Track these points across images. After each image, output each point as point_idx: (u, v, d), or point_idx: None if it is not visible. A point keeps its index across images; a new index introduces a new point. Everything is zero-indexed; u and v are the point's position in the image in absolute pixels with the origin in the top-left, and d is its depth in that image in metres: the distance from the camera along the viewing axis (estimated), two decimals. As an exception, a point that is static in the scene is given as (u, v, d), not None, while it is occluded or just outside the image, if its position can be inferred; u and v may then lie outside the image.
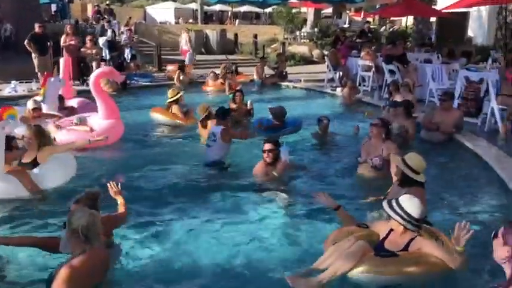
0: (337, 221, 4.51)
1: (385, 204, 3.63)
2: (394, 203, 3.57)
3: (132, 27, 21.90)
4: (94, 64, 13.60)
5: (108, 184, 4.22)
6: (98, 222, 3.20)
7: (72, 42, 13.38)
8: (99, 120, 7.55)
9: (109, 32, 15.34)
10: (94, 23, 21.05)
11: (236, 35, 24.29)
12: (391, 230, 3.64)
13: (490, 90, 8.15)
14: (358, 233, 3.76)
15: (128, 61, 15.77)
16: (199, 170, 6.44)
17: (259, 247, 4.27)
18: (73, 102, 9.19)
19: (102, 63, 13.17)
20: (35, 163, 5.46)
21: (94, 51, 13.88)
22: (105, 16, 20.46)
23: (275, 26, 26.30)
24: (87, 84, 12.97)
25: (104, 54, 14.77)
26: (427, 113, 7.67)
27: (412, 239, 3.53)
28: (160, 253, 4.16)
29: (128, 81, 14.03)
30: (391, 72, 12.08)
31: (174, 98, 8.93)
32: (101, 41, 15.17)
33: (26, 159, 5.47)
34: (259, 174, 5.80)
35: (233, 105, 9.25)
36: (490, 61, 11.18)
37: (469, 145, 7.25)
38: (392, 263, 3.40)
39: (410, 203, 3.53)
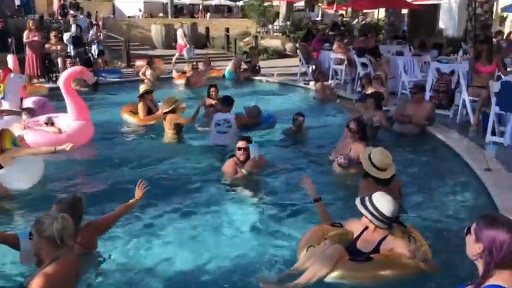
0: (310, 220, 4.50)
1: (357, 201, 3.61)
2: (367, 201, 3.55)
3: (100, 22, 21.48)
4: (59, 61, 13.25)
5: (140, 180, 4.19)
6: (72, 224, 3.07)
7: (36, 38, 12.99)
8: (68, 121, 7.35)
9: (73, 28, 14.93)
10: (60, 18, 20.50)
11: (207, 29, 24.06)
12: (366, 228, 3.62)
13: (461, 82, 8.25)
14: (331, 232, 3.73)
15: (96, 57, 15.43)
16: (169, 168, 6.37)
17: (229, 248, 4.20)
18: (29, 102, 8.84)
19: (68, 59, 12.81)
20: None
21: (59, 47, 13.51)
22: (71, 11, 19.89)
23: (247, 19, 26.12)
24: (54, 82, 12.73)
25: (69, 50, 14.39)
26: (398, 105, 7.72)
27: (383, 238, 3.51)
28: (122, 255, 4.06)
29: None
30: (364, 65, 12.14)
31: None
32: (65, 36, 14.77)
33: None
34: (230, 172, 5.73)
35: (210, 101, 9.12)
36: (460, 53, 11.34)
37: (441, 137, 7.32)
38: (366, 268, 3.37)
39: (382, 201, 3.51)
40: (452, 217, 4.73)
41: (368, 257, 3.45)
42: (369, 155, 4.51)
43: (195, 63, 14.05)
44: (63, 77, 7.43)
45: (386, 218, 3.48)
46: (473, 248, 2.43)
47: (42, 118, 7.52)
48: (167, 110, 7.48)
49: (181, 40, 18.64)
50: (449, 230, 4.43)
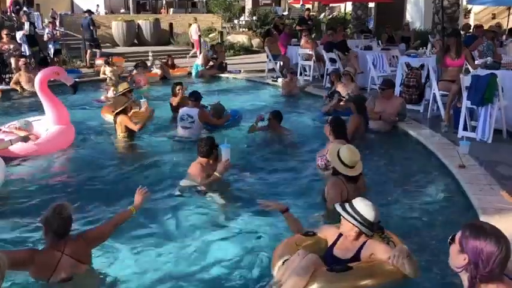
0: (284, 225, 4.32)
1: (338, 207, 3.45)
2: (347, 206, 3.40)
3: (56, 19, 20.80)
4: (12, 60, 12.69)
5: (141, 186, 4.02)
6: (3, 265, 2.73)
7: (-15, 38, 12.43)
8: (47, 125, 7.11)
9: (26, 25, 14.34)
10: (13, 15, 19.76)
11: (171, 25, 23.65)
12: (340, 235, 3.47)
13: (431, 76, 8.24)
14: (305, 242, 3.56)
15: (52, 56, 14.88)
16: (137, 169, 6.21)
17: (198, 259, 3.98)
18: None
19: (22, 59, 12.27)
20: None
21: (12, 46, 12.95)
22: (25, 7, 19.19)
23: (212, 14, 25.82)
24: (7, 83, 12.20)
25: (23, 50, 13.82)
26: (368, 102, 7.63)
27: (363, 244, 3.36)
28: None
29: (74, 79, 13.26)
30: (332, 60, 12.07)
31: (121, 92, 8.12)
32: (18, 35, 14.19)
33: None
34: (197, 175, 5.38)
35: (175, 99, 8.85)
36: (429, 46, 11.39)
37: (413, 133, 7.28)
38: (346, 278, 3.19)
39: (364, 206, 3.37)
40: (426, 218, 4.63)
41: (347, 266, 3.28)
42: (337, 152, 4.43)
43: (140, 62, 13.65)
44: (38, 78, 7.15)
45: (369, 224, 3.35)
46: (457, 259, 2.29)
47: (18, 122, 7.22)
48: (118, 111, 7.13)
49: (195, 35, 18.89)
50: (421, 231, 4.35)
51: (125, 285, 3.61)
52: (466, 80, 6.84)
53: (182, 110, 7.68)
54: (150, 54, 15.45)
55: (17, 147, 6.36)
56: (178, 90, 8.85)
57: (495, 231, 2.21)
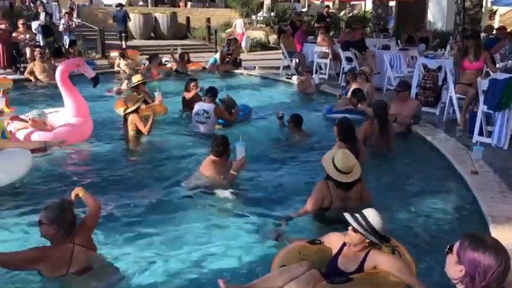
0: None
1: (349, 217, 3.31)
2: (359, 217, 3.28)
3: (74, 10, 20.99)
4: (28, 50, 12.85)
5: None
6: None
7: (2, 27, 12.60)
8: (65, 118, 7.14)
9: (42, 16, 14.52)
10: (31, 4, 20.01)
11: (188, 19, 23.70)
12: (344, 244, 3.40)
13: (448, 79, 8.12)
14: (308, 251, 3.50)
15: (67, 47, 15.03)
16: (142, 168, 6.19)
17: (210, 259, 3.97)
18: None
19: (37, 49, 12.41)
20: None
21: (27, 36, 13.11)
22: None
23: (230, 9, 25.81)
24: (21, 73, 12.36)
25: (38, 40, 13.98)
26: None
27: (367, 254, 3.28)
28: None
29: (95, 72, 13.42)
30: (348, 59, 11.98)
31: (135, 84, 8.41)
32: (34, 25, 14.35)
33: None
34: (211, 174, 5.31)
35: (188, 95, 8.88)
36: (448, 48, 11.24)
37: (427, 137, 7.18)
38: None
39: (376, 217, 3.26)
40: (434, 224, 4.56)
41: (348, 277, 3.23)
42: (333, 157, 4.36)
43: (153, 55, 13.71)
44: (59, 70, 7.17)
45: (380, 236, 3.25)
46: (453, 269, 2.25)
47: (31, 113, 7.18)
48: (130, 110, 7.12)
49: (240, 30, 19.64)
50: (428, 238, 4.28)
51: (130, 280, 3.63)
52: (483, 84, 6.73)
53: (198, 105, 7.76)
54: (178, 48, 15.31)
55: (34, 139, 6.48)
56: (193, 86, 8.87)
57: (495, 244, 2.16)
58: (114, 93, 10.61)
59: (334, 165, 4.31)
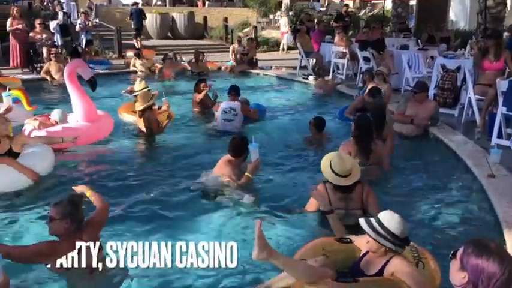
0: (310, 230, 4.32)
1: (363, 222, 3.19)
2: (374, 222, 3.16)
3: (92, 10, 21.28)
4: (44, 50, 13.06)
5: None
6: None
7: (19, 26, 12.83)
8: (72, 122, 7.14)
9: (60, 15, 14.75)
10: (49, 4, 20.34)
11: (205, 19, 23.81)
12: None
13: (468, 79, 8.01)
14: (333, 248, 3.46)
15: (83, 47, 15.25)
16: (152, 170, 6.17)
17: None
18: None
19: (53, 49, 12.62)
20: (10, 153, 5.48)
21: (44, 35, 13.34)
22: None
23: (248, 9, 25.86)
24: (38, 72, 12.57)
25: (55, 40, 14.21)
26: (399, 104, 7.48)
27: (389, 260, 3.16)
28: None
29: (91, 75, 13.58)
30: (366, 59, 11.90)
31: (138, 93, 7.70)
32: (52, 24, 14.59)
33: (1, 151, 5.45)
34: (227, 174, 5.25)
35: (199, 96, 8.95)
36: (468, 47, 11.08)
37: (444, 139, 7.08)
38: None
39: (392, 221, 3.11)
40: (448, 228, 4.50)
41: (354, 278, 3.19)
42: (330, 161, 4.32)
43: (169, 54, 13.82)
44: (66, 71, 7.20)
45: (399, 240, 3.10)
46: (456, 275, 2.22)
47: (53, 115, 7.26)
48: (143, 108, 7.14)
49: (284, 28, 20.26)
50: (442, 242, 4.21)
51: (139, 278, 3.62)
52: (502, 85, 6.62)
53: (225, 104, 8.02)
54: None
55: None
56: (203, 87, 8.92)
57: (500, 251, 2.12)
58: (126, 92, 10.68)
59: (332, 169, 4.28)
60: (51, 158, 5.80)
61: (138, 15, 18.07)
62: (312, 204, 4.48)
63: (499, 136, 6.74)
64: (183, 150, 6.99)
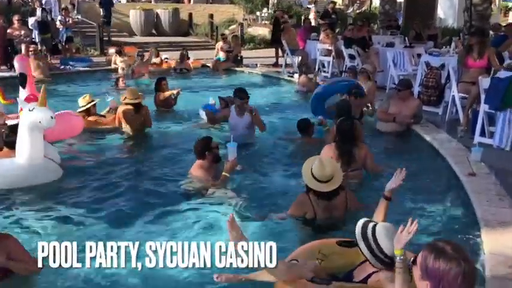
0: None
1: (360, 240, 3.04)
2: (369, 230, 3.03)
3: (75, 6, 21.11)
4: (23, 47, 12.91)
5: None
6: None
7: (-4, 23, 12.69)
8: None
9: (38, 12, 14.61)
10: (29, 0, 20.11)
11: (190, 15, 23.72)
12: None
13: (451, 77, 8.06)
14: (331, 251, 3.42)
15: (63, 44, 15.13)
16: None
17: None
18: None
19: (32, 46, 12.48)
20: None
21: (22, 32, 13.20)
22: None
23: (234, 5, 25.80)
24: (15, 70, 12.41)
25: (33, 36, 14.07)
26: (382, 102, 7.52)
27: (376, 270, 3.09)
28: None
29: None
30: (351, 56, 11.94)
31: (85, 107, 7.62)
32: (30, 21, 14.46)
33: None
34: (200, 176, 5.34)
35: (162, 94, 9.00)
36: (453, 45, 11.15)
37: (427, 137, 7.13)
38: None
39: (389, 243, 2.91)
40: (427, 228, 4.49)
41: (327, 280, 3.19)
42: (312, 165, 4.26)
43: (141, 51, 13.78)
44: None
45: (386, 257, 2.94)
46: (419, 284, 2.20)
47: None
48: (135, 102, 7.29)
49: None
50: (421, 242, 4.21)
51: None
52: (484, 82, 6.67)
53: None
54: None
55: None
56: (164, 85, 8.96)
57: (456, 254, 2.08)
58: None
59: (312, 173, 4.22)
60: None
61: (108, 2, 18.05)
62: (290, 213, 4.43)
63: (482, 134, 6.80)
64: (171, 148, 7.04)
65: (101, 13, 18.43)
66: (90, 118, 7.55)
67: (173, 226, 4.60)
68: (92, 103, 7.59)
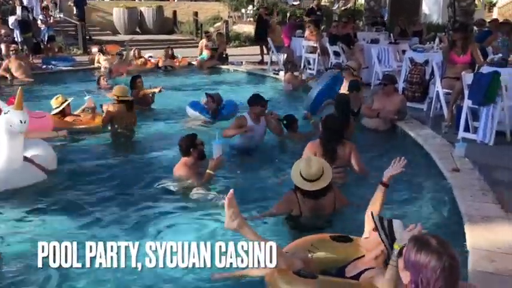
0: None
1: (376, 219, 3.08)
2: (385, 222, 3.05)
3: (57, 4, 20.91)
4: (3, 47, 12.77)
5: None
6: None
7: (-25, 22, 12.54)
8: None
9: (18, 11, 14.46)
10: (10, -1, 19.91)
11: (175, 13, 23.62)
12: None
13: (435, 73, 8.12)
14: (324, 246, 3.43)
15: (45, 43, 14.99)
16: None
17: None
18: None
19: (13, 45, 12.36)
20: None
21: (3, 31, 13.07)
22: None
23: (219, 2, 25.74)
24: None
25: (15, 36, 13.93)
26: (366, 98, 7.57)
27: (371, 268, 3.12)
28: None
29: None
30: (336, 53, 11.97)
31: (59, 108, 7.50)
32: (10, 20, 14.30)
33: None
34: (183, 174, 5.34)
35: (138, 93, 8.93)
36: (437, 41, 11.24)
37: (411, 133, 7.18)
38: (306, 285, 3.12)
39: (399, 228, 3.02)
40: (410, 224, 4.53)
41: (313, 274, 3.20)
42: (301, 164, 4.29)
43: (120, 51, 13.70)
44: None
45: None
46: (402, 274, 2.21)
47: None
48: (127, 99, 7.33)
49: None
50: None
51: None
52: (467, 78, 6.73)
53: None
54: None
55: None
56: (139, 82, 8.93)
57: (440, 248, 2.07)
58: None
59: (300, 172, 4.23)
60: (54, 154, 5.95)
61: (80, 0, 17.91)
62: (276, 211, 4.44)
63: (466, 129, 6.86)
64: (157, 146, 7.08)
65: (74, 11, 18.18)
66: (67, 119, 7.46)
67: (150, 224, 4.60)
68: (66, 103, 7.47)
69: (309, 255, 3.38)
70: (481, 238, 3.93)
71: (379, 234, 3.03)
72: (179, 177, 5.38)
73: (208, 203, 4.96)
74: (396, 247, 2.68)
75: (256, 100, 6.60)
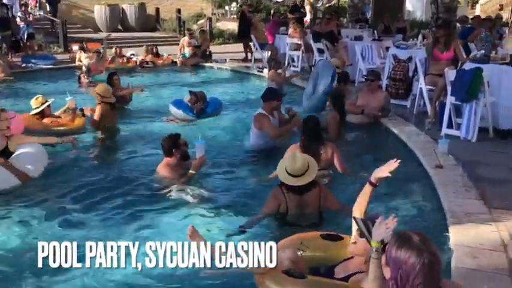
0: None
1: (360, 222, 3.03)
2: (370, 226, 2.95)
3: (37, 2, 20.63)
4: (-19, 45, 12.62)
5: None
6: None
7: (-48, 20, 12.32)
8: None
9: (-4, 8, 14.28)
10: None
11: (157, 10, 23.47)
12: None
13: (418, 69, 8.17)
14: (314, 244, 3.42)
15: (25, 41, 14.79)
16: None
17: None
18: None
19: (-9, 43, 12.20)
20: (6, 152, 5.47)
21: (-19, 29, 12.87)
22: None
23: (202, -1, 25.66)
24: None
25: (-7, 33, 13.74)
26: (350, 95, 7.59)
27: (361, 272, 3.08)
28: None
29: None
30: (320, 51, 11.99)
31: (39, 109, 7.32)
32: (-12, 18, 14.11)
33: None
34: (166, 174, 5.34)
35: (128, 91, 8.98)
36: (420, 38, 11.33)
37: (394, 130, 7.22)
38: (295, 285, 3.11)
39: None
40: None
41: (302, 274, 3.19)
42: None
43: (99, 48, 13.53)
44: None
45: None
46: (384, 271, 2.22)
47: None
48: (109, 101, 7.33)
49: None
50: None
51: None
52: (450, 74, 6.78)
53: None
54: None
55: None
56: (116, 80, 8.84)
57: (421, 245, 2.07)
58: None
59: (285, 167, 4.25)
60: (44, 159, 5.76)
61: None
62: (266, 210, 4.40)
63: (450, 126, 6.91)
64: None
65: (47, 8, 17.93)
66: (45, 120, 7.29)
67: (134, 224, 4.58)
68: (46, 104, 7.31)
69: (299, 253, 3.37)
70: (464, 234, 3.96)
71: (366, 239, 2.99)
72: (162, 178, 5.37)
73: (186, 203, 4.95)
74: (374, 245, 2.64)
75: (271, 95, 6.60)
